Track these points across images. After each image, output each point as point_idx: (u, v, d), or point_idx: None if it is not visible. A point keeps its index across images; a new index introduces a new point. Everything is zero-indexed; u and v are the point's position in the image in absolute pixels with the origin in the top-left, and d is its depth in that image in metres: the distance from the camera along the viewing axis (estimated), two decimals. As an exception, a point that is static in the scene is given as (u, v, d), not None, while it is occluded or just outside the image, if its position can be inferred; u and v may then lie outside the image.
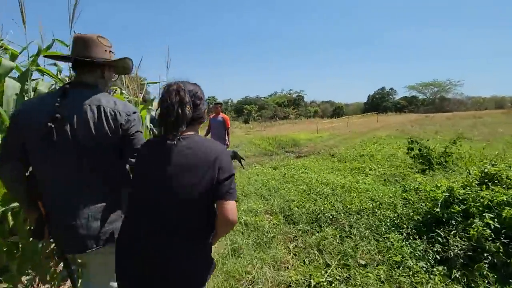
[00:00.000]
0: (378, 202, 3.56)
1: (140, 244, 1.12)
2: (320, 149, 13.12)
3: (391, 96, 77.58)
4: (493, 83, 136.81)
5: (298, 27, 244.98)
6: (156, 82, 2.96)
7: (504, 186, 2.95)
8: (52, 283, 1.90)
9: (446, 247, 2.45)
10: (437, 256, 2.45)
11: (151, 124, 2.84)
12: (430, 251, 2.49)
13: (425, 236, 2.67)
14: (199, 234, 1.15)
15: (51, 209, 1.27)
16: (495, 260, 2.27)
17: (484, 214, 2.51)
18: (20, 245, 1.73)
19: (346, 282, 2.29)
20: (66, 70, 2.24)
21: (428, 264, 2.39)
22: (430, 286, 2.16)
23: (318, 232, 3.18)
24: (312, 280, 2.30)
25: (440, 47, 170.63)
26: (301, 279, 2.35)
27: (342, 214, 3.45)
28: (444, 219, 2.72)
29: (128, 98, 2.65)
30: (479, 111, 37.30)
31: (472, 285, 2.16)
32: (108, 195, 1.33)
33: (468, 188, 2.94)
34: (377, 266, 2.45)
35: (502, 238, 2.35)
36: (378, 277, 2.30)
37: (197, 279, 1.14)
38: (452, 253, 2.35)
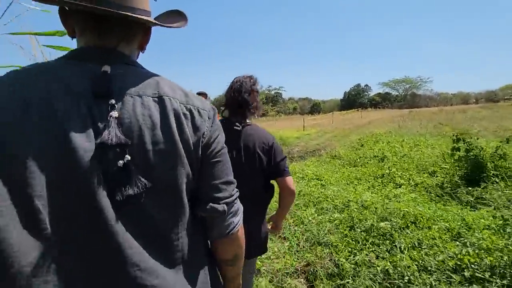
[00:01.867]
0: (499, 254, 2.06)
1: None
2: (314, 148, 11.73)
3: (366, 93, 79.03)
4: (458, 80, 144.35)
5: (274, 24, 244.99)
6: (9, 66, 1.17)
7: None
8: None
9: None
10: None
11: None
12: None
13: None
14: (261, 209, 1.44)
15: None
16: None
17: None
18: None
19: None
20: None
21: None
22: None
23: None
24: None
25: (410, 45, 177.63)
26: None
27: (450, 283, 1.90)
28: None
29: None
30: (448, 106, 37.67)
31: None
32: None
33: None
34: None
35: None
36: None
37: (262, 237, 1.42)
38: None
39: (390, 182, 4.89)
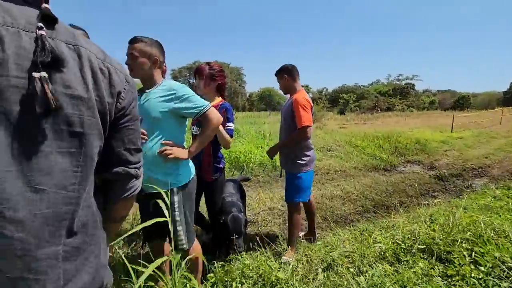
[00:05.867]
0: None
1: None
2: (478, 163, 7.41)
3: (548, 83, 56.65)
4: None
5: (408, 6, 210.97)
6: None
7: None
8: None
9: None
10: None
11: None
12: None
13: None
14: None
15: None
16: None
17: None
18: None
19: None
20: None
21: None
22: None
23: None
24: None
25: None
26: None
27: None
28: None
29: None
30: None
31: None
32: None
33: None
34: None
35: None
36: None
37: None
38: None
39: None
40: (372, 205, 4.00)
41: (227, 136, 2.05)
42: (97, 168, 0.65)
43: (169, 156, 1.52)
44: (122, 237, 1.28)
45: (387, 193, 4.52)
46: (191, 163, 1.74)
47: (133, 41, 1.55)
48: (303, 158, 2.56)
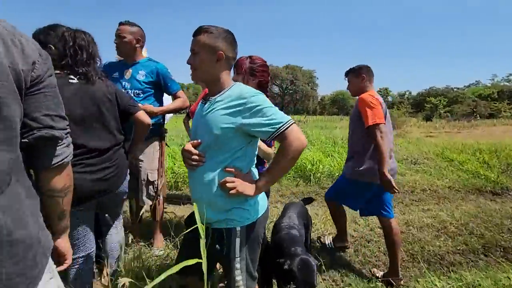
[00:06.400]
0: None
1: None
2: None
3: None
4: None
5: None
6: None
7: None
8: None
9: None
10: None
11: None
12: None
13: None
14: None
15: None
16: None
17: None
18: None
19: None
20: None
21: None
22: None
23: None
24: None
25: None
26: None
27: None
28: None
29: None
30: None
31: None
32: None
33: None
34: None
35: None
36: None
37: None
38: None
39: None
40: (481, 243, 3.00)
41: (266, 148, 1.62)
42: (21, 135, 0.68)
43: (231, 192, 1.15)
44: (163, 276, 0.95)
45: (502, 229, 3.39)
46: (263, 193, 1.31)
47: (197, 32, 1.20)
48: (358, 164, 2.26)
